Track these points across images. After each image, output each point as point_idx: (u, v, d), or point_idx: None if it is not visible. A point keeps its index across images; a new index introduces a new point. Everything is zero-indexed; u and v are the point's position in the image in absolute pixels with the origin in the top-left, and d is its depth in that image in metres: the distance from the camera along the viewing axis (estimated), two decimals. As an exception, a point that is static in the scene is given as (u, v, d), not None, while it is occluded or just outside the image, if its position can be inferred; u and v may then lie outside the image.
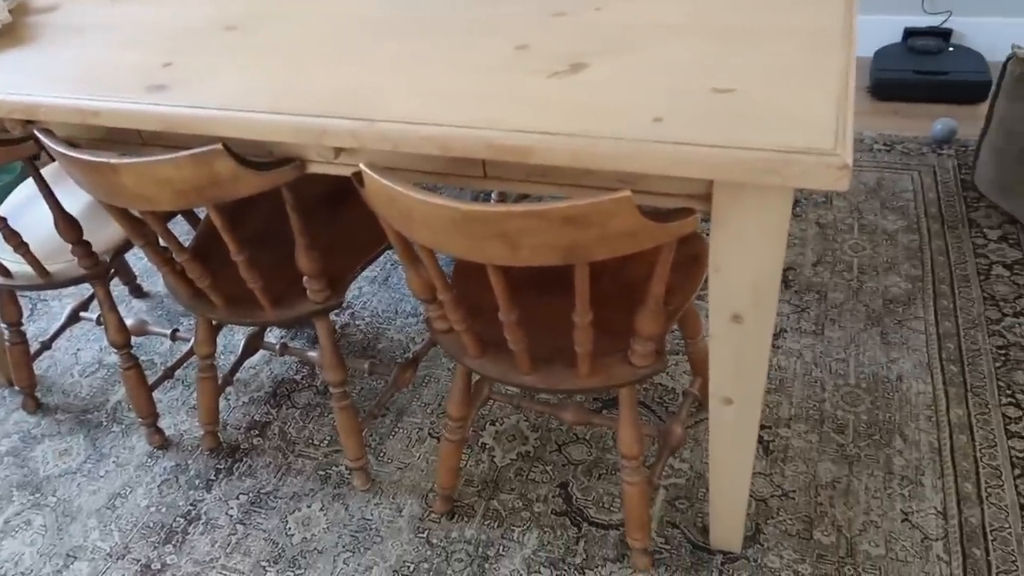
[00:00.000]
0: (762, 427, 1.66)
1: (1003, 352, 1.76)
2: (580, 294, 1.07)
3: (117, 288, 2.24)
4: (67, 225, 1.49)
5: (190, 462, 1.74)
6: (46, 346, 1.92)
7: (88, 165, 1.16)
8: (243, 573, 1.51)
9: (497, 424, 1.74)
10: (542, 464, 1.65)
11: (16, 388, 1.89)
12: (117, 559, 1.56)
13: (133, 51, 1.32)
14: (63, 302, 2.25)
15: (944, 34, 2.78)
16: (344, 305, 2.10)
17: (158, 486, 1.70)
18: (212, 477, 1.70)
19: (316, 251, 1.35)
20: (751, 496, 1.54)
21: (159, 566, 1.54)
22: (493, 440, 1.70)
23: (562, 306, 1.26)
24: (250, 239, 1.57)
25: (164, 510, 1.65)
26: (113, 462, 1.76)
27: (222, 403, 1.87)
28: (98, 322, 1.82)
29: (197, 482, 1.69)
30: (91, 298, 1.97)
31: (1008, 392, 1.67)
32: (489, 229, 0.96)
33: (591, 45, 1.15)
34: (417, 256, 1.16)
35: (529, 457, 1.66)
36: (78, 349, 2.07)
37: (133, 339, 2.04)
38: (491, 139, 0.98)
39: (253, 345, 1.83)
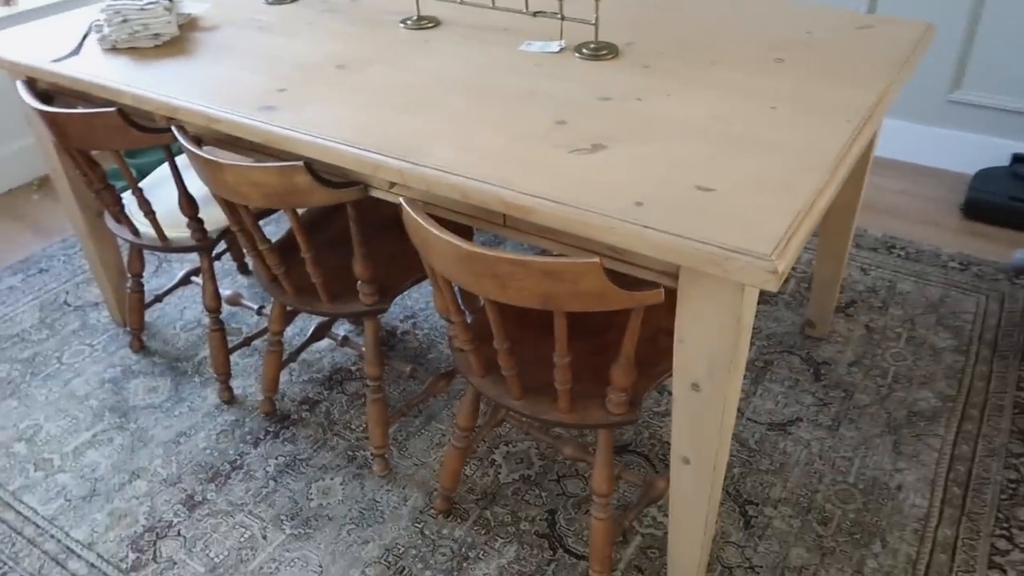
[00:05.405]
0: (749, 502, 1.76)
1: (1013, 485, 1.78)
2: (559, 338, 1.24)
3: (227, 263, 2.59)
4: (187, 203, 1.81)
5: (247, 420, 2.02)
6: (159, 299, 2.27)
7: (203, 160, 1.46)
8: (264, 521, 1.76)
9: (510, 446, 1.92)
10: (539, 489, 1.81)
11: (127, 329, 2.25)
12: (169, 485, 1.85)
13: (260, 74, 1.62)
14: (183, 264, 2.62)
15: (1054, 165, 2.75)
16: (408, 315, 2.35)
17: (217, 434, 1.98)
18: (261, 436, 1.97)
19: (371, 261, 1.59)
20: (719, 562, 1.64)
21: (200, 499, 1.82)
22: (503, 459, 1.89)
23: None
24: (327, 243, 1.84)
25: (216, 454, 1.93)
26: (188, 406, 2.07)
27: (286, 377, 2.15)
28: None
29: (248, 437, 1.97)
30: (204, 266, 2.31)
31: (1005, 525, 1.69)
32: (484, 268, 1.16)
33: (617, 130, 1.34)
34: (440, 280, 1.37)
35: (529, 480, 1.83)
36: (184, 307, 2.42)
37: (227, 308, 2.38)
38: (502, 196, 1.18)
39: (320, 333, 2.10)
